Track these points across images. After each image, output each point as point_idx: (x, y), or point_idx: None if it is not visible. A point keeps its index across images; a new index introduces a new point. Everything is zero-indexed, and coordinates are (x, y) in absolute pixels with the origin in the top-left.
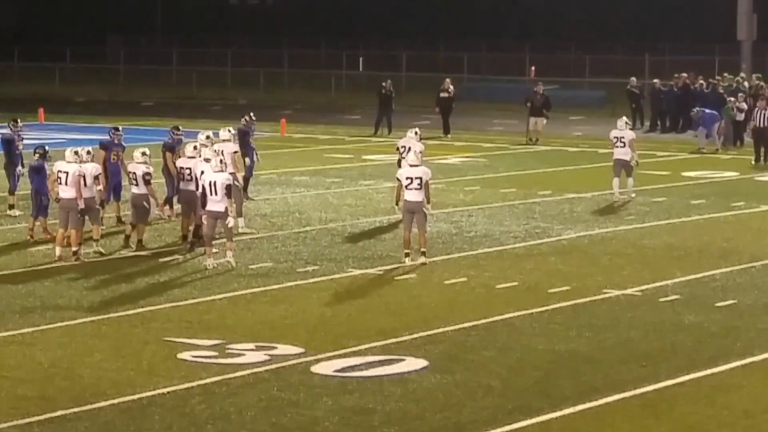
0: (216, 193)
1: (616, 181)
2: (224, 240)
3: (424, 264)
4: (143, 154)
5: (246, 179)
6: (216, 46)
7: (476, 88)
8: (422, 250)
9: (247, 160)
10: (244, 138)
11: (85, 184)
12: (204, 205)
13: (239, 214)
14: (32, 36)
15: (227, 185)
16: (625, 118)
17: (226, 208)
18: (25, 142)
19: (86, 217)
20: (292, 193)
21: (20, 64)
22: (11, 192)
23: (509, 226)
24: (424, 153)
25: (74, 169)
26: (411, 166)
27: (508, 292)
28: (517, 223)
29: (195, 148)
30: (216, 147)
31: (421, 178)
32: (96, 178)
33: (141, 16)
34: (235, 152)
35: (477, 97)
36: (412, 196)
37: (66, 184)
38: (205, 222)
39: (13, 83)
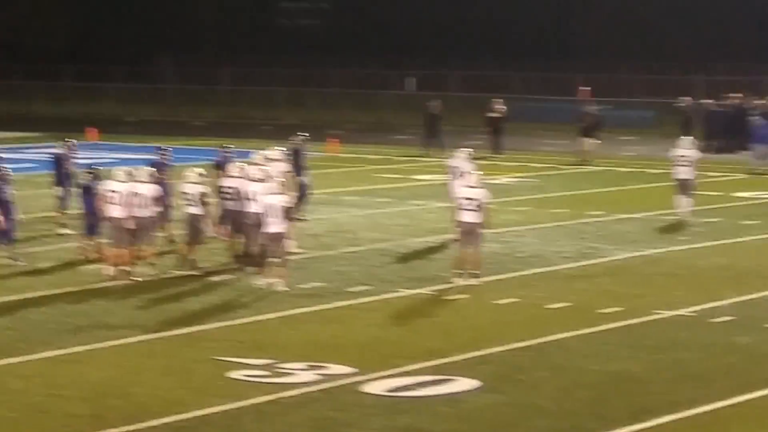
0: (274, 215)
1: (680, 199)
2: (276, 262)
3: (474, 285)
4: (200, 174)
5: (300, 198)
6: (266, 66)
7: (526, 108)
8: (474, 272)
9: (301, 179)
10: (297, 157)
11: (141, 204)
12: (262, 226)
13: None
14: (84, 56)
15: (285, 207)
16: (691, 137)
17: (284, 230)
18: (76, 161)
19: (139, 237)
20: (342, 213)
21: (72, 83)
22: (62, 211)
23: (560, 247)
24: (475, 172)
25: (126, 189)
26: (470, 187)
27: (560, 312)
28: (569, 244)
29: (241, 168)
30: (266, 167)
31: (478, 200)
32: (157, 199)
33: (192, 36)
34: (286, 172)
35: (527, 117)
36: (469, 216)
37: (117, 203)
38: (262, 243)
39: (65, 103)
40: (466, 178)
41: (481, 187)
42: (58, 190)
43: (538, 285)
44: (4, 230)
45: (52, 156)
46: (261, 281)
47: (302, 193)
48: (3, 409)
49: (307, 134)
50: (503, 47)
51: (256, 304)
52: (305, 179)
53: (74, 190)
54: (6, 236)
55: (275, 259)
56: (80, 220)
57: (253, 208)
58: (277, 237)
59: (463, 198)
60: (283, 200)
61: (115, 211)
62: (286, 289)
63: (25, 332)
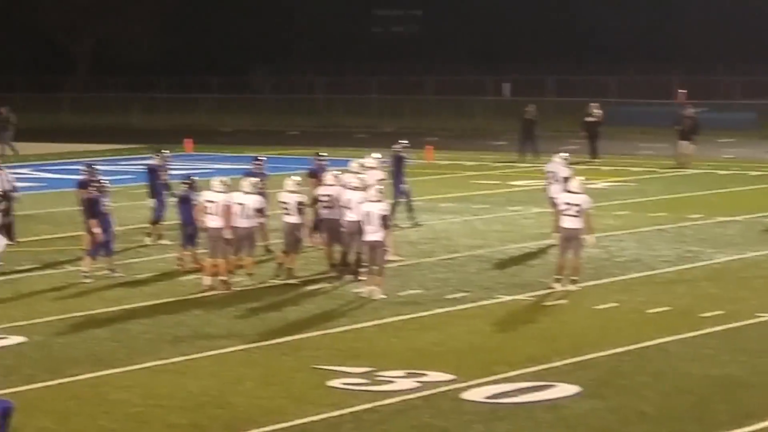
0: (372, 224)
1: None
2: (374, 270)
3: (573, 290)
4: (297, 183)
5: (404, 206)
6: (361, 74)
7: (624, 112)
8: (573, 278)
9: (402, 186)
10: (399, 165)
11: (242, 214)
12: (359, 235)
13: None
14: (179, 67)
15: (384, 215)
16: None
17: (382, 238)
18: (172, 172)
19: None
20: (440, 219)
21: (167, 95)
22: (156, 221)
23: (660, 251)
24: (572, 178)
25: (223, 199)
26: (571, 192)
27: (660, 316)
28: (668, 248)
29: (336, 176)
30: (363, 175)
31: (580, 206)
32: (259, 210)
33: (286, 45)
34: (381, 180)
35: (625, 120)
36: (570, 222)
37: (215, 213)
38: (359, 251)
39: (160, 114)
40: (566, 183)
41: (583, 193)
42: (152, 202)
43: (638, 289)
44: (103, 242)
45: (147, 167)
46: (359, 289)
47: (405, 201)
48: (104, 419)
49: (408, 142)
50: (600, 51)
51: (354, 312)
52: (406, 186)
53: (170, 200)
54: (104, 248)
55: (373, 267)
56: (177, 231)
57: (349, 216)
58: (375, 245)
59: (564, 203)
60: (381, 208)
61: (212, 222)
62: (384, 296)
63: (124, 343)
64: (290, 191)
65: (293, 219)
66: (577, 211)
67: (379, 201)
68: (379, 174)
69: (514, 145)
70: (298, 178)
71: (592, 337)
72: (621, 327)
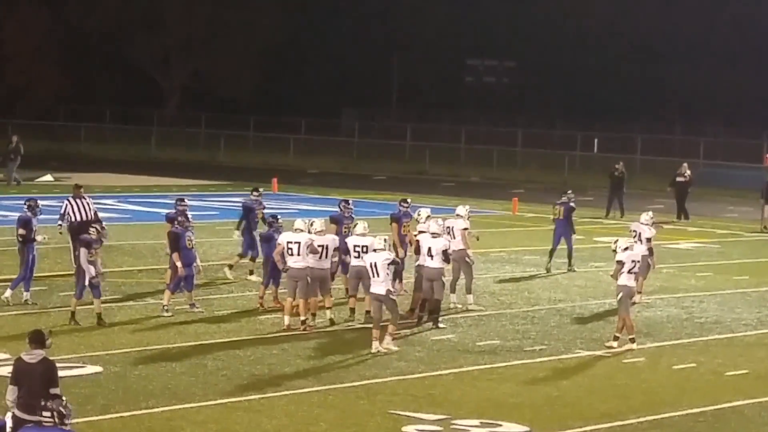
0: (378, 275)
1: None
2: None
3: (652, 348)
4: (364, 227)
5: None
6: (450, 122)
7: (711, 174)
8: (630, 336)
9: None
10: (568, 213)
11: (321, 256)
12: (440, 280)
13: (468, 290)
14: (268, 107)
15: (389, 264)
16: None
17: (388, 290)
18: (265, 210)
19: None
20: (522, 272)
21: (256, 134)
22: (243, 256)
23: (741, 314)
24: (656, 237)
25: (305, 239)
26: (626, 249)
27: (738, 379)
28: (749, 311)
29: (420, 223)
30: (448, 223)
31: (638, 264)
32: (334, 249)
33: (377, 90)
34: (465, 229)
35: (712, 182)
36: (630, 280)
37: (297, 254)
38: (437, 298)
39: (248, 152)
40: (649, 243)
41: (651, 252)
42: (243, 238)
43: (717, 351)
44: (184, 277)
45: (243, 204)
46: (374, 346)
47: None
48: None
49: (572, 192)
50: (691, 111)
51: (432, 358)
52: (573, 236)
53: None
54: (186, 283)
55: (382, 321)
56: (260, 269)
57: (429, 263)
58: (381, 298)
59: (630, 260)
60: (385, 258)
61: (292, 262)
62: (397, 348)
63: (200, 378)
64: (361, 234)
65: (360, 263)
66: (638, 269)
67: (383, 250)
68: (462, 223)
69: (601, 201)
70: (365, 223)
71: (669, 397)
72: (698, 388)
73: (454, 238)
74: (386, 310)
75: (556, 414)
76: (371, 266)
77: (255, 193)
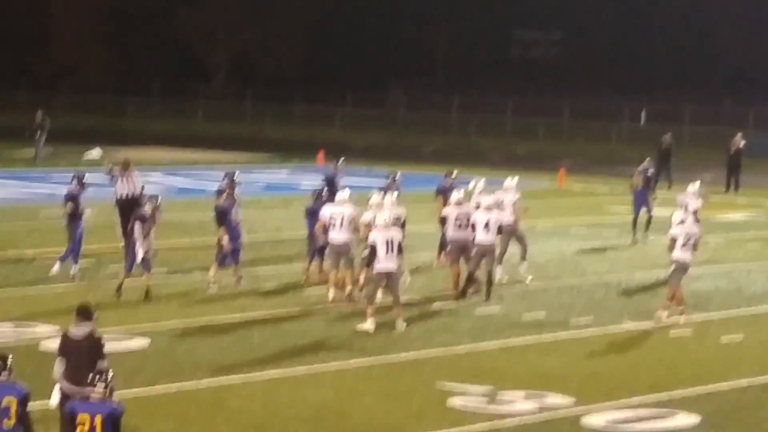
0: (391, 251)
1: None
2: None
3: (699, 320)
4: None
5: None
6: (496, 94)
7: (761, 144)
8: (680, 307)
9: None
10: (649, 183)
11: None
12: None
13: (499, 261)
14: (315, 80)
15: (400, 243)
16: None
17: (399, 266)
18: (304, 185)
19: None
20: (569, 244)
21: (302, 107)
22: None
23: None
24: (704, 208)
25: (348, 213)
26: (680, 223)
27: None
28: None
29: (466, 195)
30: (497, 195)
31: (694, 236)
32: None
33: (423, 63)
34: (515, 202)
35: (761, 152)
36: (685, 254)
37: (340, 226)
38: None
39: (294, 126)
40: (695, 214)
41: (699, 224)
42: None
43: (765, 323)
44: (231, 251)
45: (324, 176)
46: (363, 326)
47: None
48: (223, 427)
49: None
50: (740, 81)
51: (478, 331)
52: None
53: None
54: (232, 257)
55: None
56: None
57: (484, 237)
58: (392, 276)
59: (682, 235)
60: (398, 237)
61: (335, 235)
62: (405, 324)
63: (246, 351)
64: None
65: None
66: (694, 243)
67: (397, 228)
68: (513, 196)
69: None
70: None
71: (716, 369)
72: (745, 360)
73: (504, 210)
74: (392, 289)
75: (602, 386)
76: (388, 242)
77: (335, 165)
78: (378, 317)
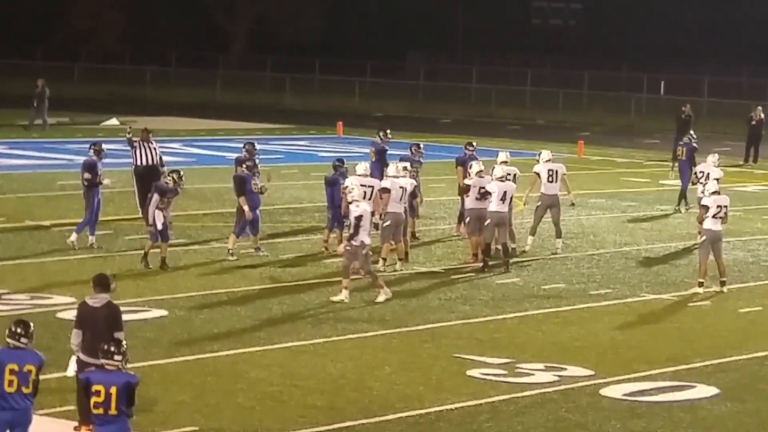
0: (366, 227)
1: None
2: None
3: (717, 292)
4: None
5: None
6: (516, 65)
7: None
8: (722, 279)
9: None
10: (692, 156)
11: (397, 200)
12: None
13: (532, 232)
14: (333, 50)
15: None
16: None
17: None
18: (323, 154)
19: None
20: (588, 215)
21: (321, 77)
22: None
23: None
24: (722, 180)
25: (368, 183)
26: (713, 193)
27: None
28: None
29: (483, 166)
30: (511, 168)
31: (726, 207)
32: (412, 193)
33: (442, 33)
34: (538, 173)
35: None
36: (716, 224)
37: (360, 198)
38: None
39: (313, 96)
40: (711, 185)
41: (723, 194)
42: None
43: None
44: (250, 221)
45: (375, 147)
46: (337, 297)
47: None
48: (242, 397)
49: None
50: (759, 52)
51: (497, 303)
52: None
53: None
54: (251, 227)
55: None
56: (325, 213)
57: (500, 207)
58: (366, 249)
59: (714, 205)
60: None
61: (359, 206)
62: (389, 295)
63: (265, 322)
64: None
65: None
66: (724, 213)
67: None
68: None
69: (667, 144)
70: (407, 165)
71: (734, 340)
72: (764, 331)
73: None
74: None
75: (621, 357)
76: (361, 217)
77: (384, 135)
78: (393, 289)
